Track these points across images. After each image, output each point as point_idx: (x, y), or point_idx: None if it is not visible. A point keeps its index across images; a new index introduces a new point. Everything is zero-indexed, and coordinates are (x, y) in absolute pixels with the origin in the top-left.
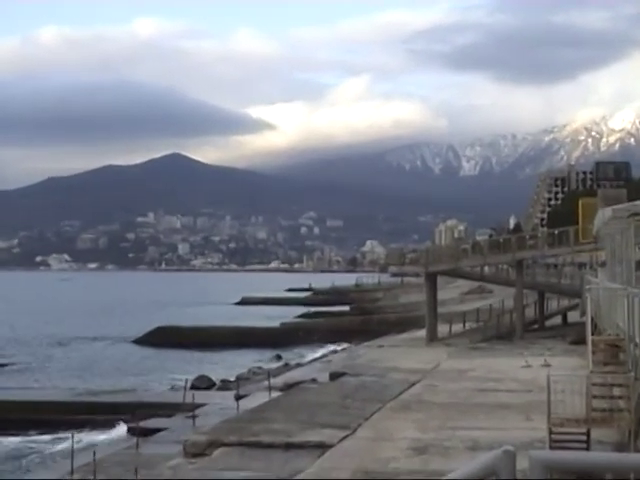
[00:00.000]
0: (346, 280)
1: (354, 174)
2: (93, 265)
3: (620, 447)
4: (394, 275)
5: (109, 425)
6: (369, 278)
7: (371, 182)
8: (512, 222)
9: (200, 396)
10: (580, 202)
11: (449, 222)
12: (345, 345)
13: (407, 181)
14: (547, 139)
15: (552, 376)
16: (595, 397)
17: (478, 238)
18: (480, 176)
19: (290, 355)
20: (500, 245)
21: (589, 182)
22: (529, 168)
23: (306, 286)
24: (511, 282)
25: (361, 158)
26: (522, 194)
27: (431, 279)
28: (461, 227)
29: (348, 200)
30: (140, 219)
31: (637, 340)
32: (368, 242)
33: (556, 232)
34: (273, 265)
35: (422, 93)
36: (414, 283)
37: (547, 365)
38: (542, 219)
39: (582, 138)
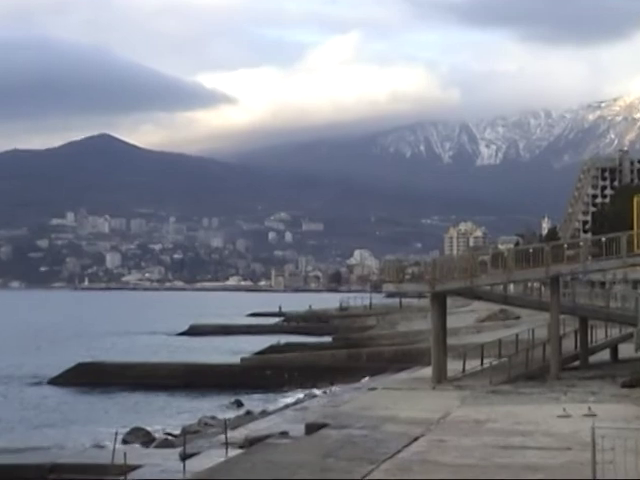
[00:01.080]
0: (328, 302)
1: (339, 163)
2: None
3: None
4: (390, 295)
5: None
6: (358, 299)
7: (361, 173)
8: (545, 226)
9: (134, 455)
10: (635, 200)
11: (462, 226)
12: (326, 387)
13: (408, 172)
14: (592, 117)
15: (598, 429)
16: None
17: (501, 247)
18: (503, 166)
19: (254, 401)
20: (529, 256)
21: None
22: (568, 155)
23: (275, 310)
24: (544, 305)
25: (348, 142)
26: (558, 189)
27: (439, 301)
28: (478, 232)
29: (331, 197)
30: (55, 221)
31: None
32: (357, 252)
33: (603, 239)
34: (232, 282)
35: (428, 56)
36: (417, 306)
37: (591, 415)
38: (585, 222)
39: (639, 116)
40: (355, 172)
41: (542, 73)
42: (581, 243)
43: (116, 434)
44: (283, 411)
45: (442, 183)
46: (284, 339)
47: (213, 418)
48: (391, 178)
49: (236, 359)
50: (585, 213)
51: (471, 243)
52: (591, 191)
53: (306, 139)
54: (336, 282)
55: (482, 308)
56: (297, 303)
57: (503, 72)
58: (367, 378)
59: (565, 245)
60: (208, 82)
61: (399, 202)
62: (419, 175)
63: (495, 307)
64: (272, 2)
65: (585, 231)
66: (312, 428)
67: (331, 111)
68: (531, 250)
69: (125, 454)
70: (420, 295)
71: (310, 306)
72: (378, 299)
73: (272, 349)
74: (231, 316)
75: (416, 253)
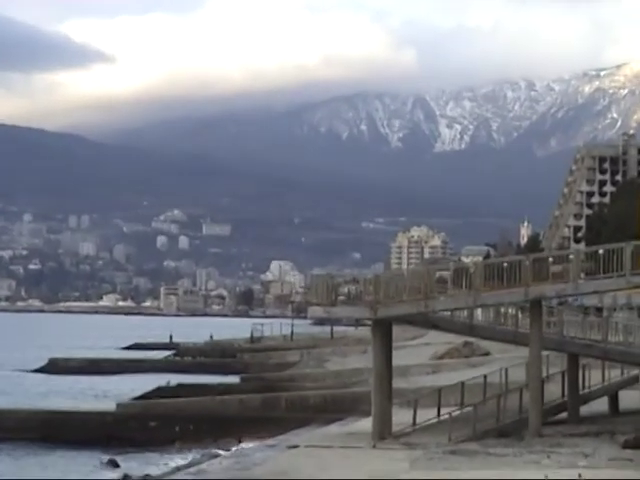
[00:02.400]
0: (235, 330)
1: (252, 145)
2: None
3: None
4: (319, 323)
5: None
6: (275, 327)
7: (281, 160)
8: (524, 233)
9: None
10: None
11: (415, 232)
12: (232, 445)
13: (344, 159)
14: (588, 90)
15: None
16: None
17: (465, 260)
18: (470, 153)
19: (133, 461)
20: (503, 273)
21: None
22: (556, 140)
23: (164, 340)
24: (521, 338)
25: (265, 118)
26: (542, 185)
27: (383, 330)
28: (436, 240)
29: (241, 191)
30: None
31: None
32: (274, 264)
33: (601, 251)
34: (107, 302)
35: (374, 5)
36: (353, 337)
37: None
38: (577, 228)
39: None
40: (274, 158)
41: (524, 31)
42: (571, 256)
43: None
44: (173, 476)
45: (389, 174)
46: (175, 379)
47: None
48: (321, 167)
49: (110, 405)
50: (577, 216)
51: (426, 254)
52: (585, 187)
53: (209, 113)
54: (247, 304)
55: (440, 341)
56: (194, 331)
57: (473, 28)
58: (287, 433)
59: (550, 258)
60: (77, 33)
61: (331, 199)
62: (358, 163)
63: (457, 339)
64: None
65: (577, 240)
66: None
67: (243, 77)
68: (505, 264)
69: None
70: (358, 322)
71: (211, 336)
72: (302, 327)
73: (159, 392)
74: (104, 348)
75: (354, 266)
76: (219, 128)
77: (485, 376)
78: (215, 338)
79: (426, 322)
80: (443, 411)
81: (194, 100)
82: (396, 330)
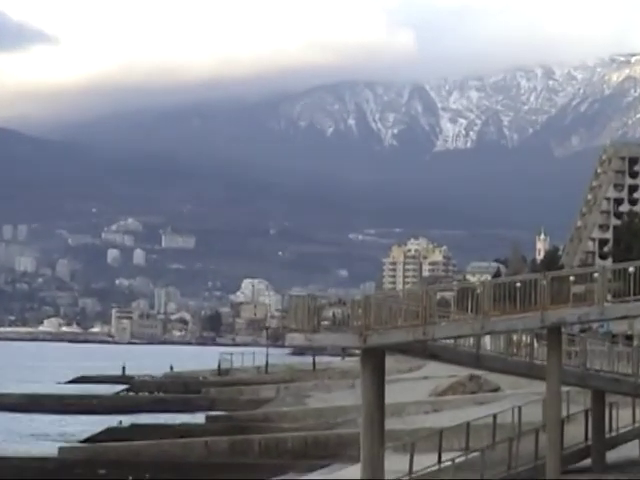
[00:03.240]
0: (200, 360)
1: (221, 143)
2: None
3: None
4: (299, 352)
5: None
6: (247, 357)
7: (255, 160)
8: (541, 247)
9: None
10: None
11: (413, 245)
12: None
13: (328, 160)
14: (617, 78)
15: None
16: None
17: (471, 279)
18: (477, 152)
19: None
20: (516, 294)
21: None
22: (578, 137)
23: (116, 372)
24: (537, 371)
25: (236, 111)
26: (562, 190)
27: (374, 361)
28: (437, 255)
29: (208, 196)
30: None
31: None
32: (246, 283)
33: (631, 269)
34: (47, 327)
35: None
36: (339, 369)
37: None
38: (603, 241)
39: None
40: (246, 158)
41: (540, 10)
42: (596, 274)
43: None
44: None
45: (382, 177)
46: (129, 419)
47: None
48: (302, 168)
49: (52, 450)
50: (603, 228)
51: (426, 272)
52: (613, 193)
53: (171, 105)
54: (213, 330)
55: (441, 374)
56: (151, 362)
57: (481, 8)
58: None
59: (572, 277)
60: (14, 11)
61: (314, 206)
62: (346, 164)
63: (462, 372)
64: None
65: (603, 256)
66: None
67: (210, 63)
68: (518, 284)
69: None
70: (345, 352)
71: (172, 367)
72: (279, 357)
73: (109, 434)
74: (45, 382)
75: (340, 286)
76: (182, 122)
77: (495, 415)
78: (176, 370)
79: (425, 352)
80: (445, 457)
81: (153, 90)
82: (389, 361)
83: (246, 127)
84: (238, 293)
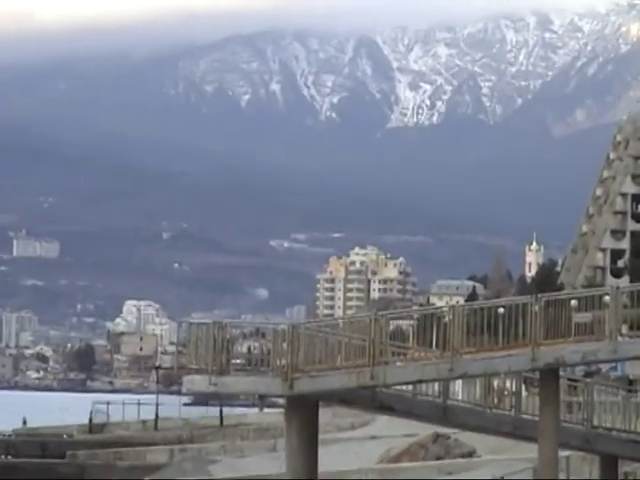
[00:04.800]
0: (65, 411)
1: (92, 113)
2: None
3: None
4: (200, 402)
5: None
6: (129, 407)
7: (140, 138)
8: (532, 259)
9: None
10: None
11: (357, 255)
12: None
13: (242, 137)
14: (637, 31)
15: None
16: None
17: (437, 302)
18: (447, 129)
19: None
20: (497, 323)
21: None
22: (584, 111)
23: None
24: (526, 429)
25: (115, 70)
26: (562, 182)
27: (304, 414)
28: (392, 270)
29: (74, 186)
30: None
31: None
32: (129, 305)
33: None
34: None
35: None
36: (256, 424)
37: None
38: (616, 253)
39: None
40: (130, 135)
41: None
42: (607, 297)
43: None
44: None
45: (316, 164)
46: None
47: None
48: (207, 149)
49: None
50: (617, 234)
51: (375, 292)
52: (631, 188)
53: (25, 65)
54: (84, 370)
55: (395, 432)
56: None
57: None
58: None
59: (573, 301)
60: None
61: (223, 201)
62: (267, 144)
63: (423, 430)
64: None
65: (616, 273)
66: None
67: (81, 8)
68: (502, 310)
69: None
70: (264, 402)
71: (25, 421)
72: (174, 407)
73: None
74: None
75: (258, 310)
76: (41, 85)
77: None
78: (31, 425)
79: (373, 402)
80: None
81: (2, 44)
82: (325, 415)
83: (130, 92)
84: (118, 320)
